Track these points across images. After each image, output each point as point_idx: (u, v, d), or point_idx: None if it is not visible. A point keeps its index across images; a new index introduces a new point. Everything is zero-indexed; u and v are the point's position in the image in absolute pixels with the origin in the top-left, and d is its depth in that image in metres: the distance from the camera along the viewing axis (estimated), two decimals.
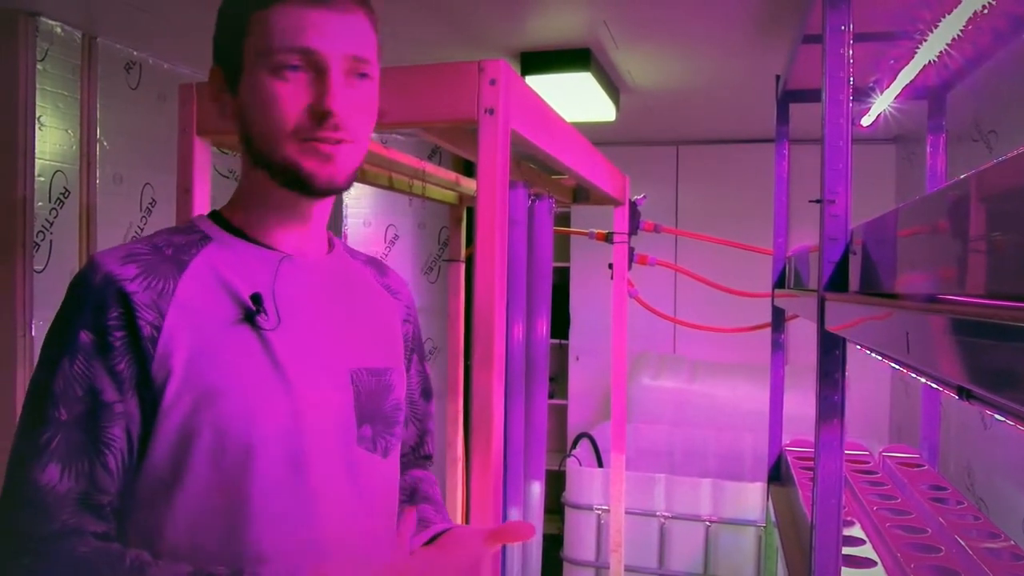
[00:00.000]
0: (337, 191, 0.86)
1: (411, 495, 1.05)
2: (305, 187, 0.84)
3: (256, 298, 0.82)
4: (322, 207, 0.91)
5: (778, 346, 2.48)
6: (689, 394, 3.82)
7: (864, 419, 3.60)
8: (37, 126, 2.29)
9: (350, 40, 0.83)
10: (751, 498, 2.97)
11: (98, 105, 2.48)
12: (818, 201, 1.22)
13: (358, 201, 3.76)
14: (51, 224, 2.33)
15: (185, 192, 1.38)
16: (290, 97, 0.81)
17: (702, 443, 3.68)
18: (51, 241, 2.33)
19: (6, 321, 2.24)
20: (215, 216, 0.91)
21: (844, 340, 1.19)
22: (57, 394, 0.76)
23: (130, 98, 2.60)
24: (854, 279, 1.16)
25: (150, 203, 2.69)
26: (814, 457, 1.24)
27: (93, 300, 0.77)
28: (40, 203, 2.30)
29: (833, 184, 1.21)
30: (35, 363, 0.80)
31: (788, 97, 2.32)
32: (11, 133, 2.26)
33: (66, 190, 2.39)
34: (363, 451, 0.88)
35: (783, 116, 2.39)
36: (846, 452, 1.24)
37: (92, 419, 0.76)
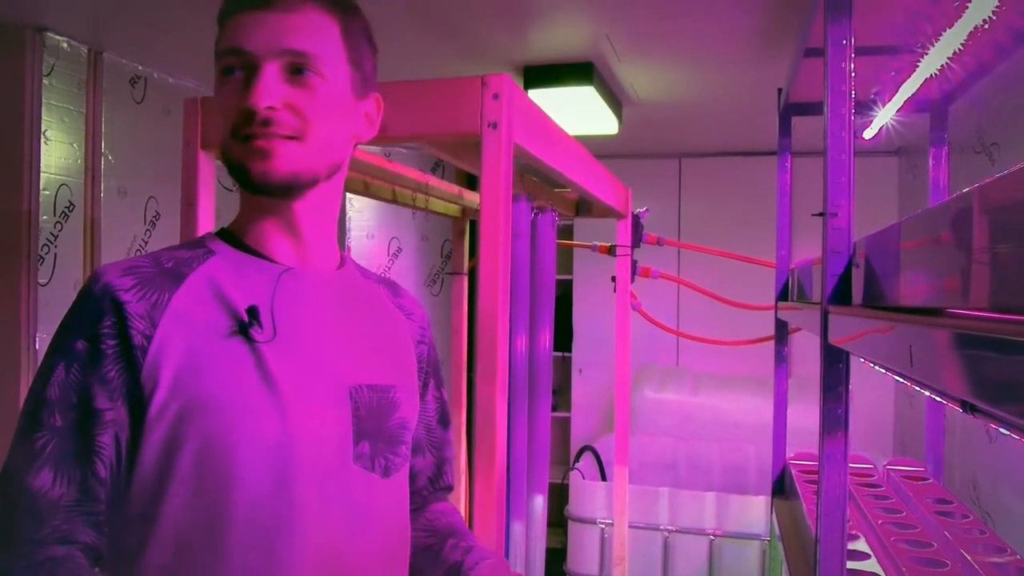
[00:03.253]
0: (276, 187, 0.83)
1: (432, 532, 1.03)
2: (244, 183, 0.84)
3: (252, 311, 0.81)
4: (310, 214, 0.89)
5: (781, 359, 2.48)
6: (692, 406, 3.81)
7: (868, 431, 3.59)
8: (43, 140, 2.30)
9: (287, 36, 0.82)
10: (755, 511, 2.96)
11: (103, 119, 2.49)
12: (821, 214, 1.22)
13: (361, 214, 3.77)
14: (55, 237, 2.34)
15: (189, 206, 1.39)
16: (228, 98, 0.83)
17: (706, 456, 3.67)
18: (55, 254, 2.34)
19: (11, 334, 2.25)
20: (223, 231, 0.91)
21: (847, 353, 1.19)
22: (52, 400, 0.77)
23: (135, 112, 2.62)
24: (857, 292, 1.16)
25: (154, 216, 2.70)
26: (818, 470, 1.23)
27: (90, 309, 0.79)
28: (45, 216, 2.31)
29: (836, 197, 1.21)
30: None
31: (790, 110, 2.33)
32: (17, 147, 2.28)
33: (71, 203, 2.40)
34: (360, 469, 0.86)
35: (785, 129, 2.40)
36: (850, 465, 1.24)
37: (84, 426, 0.77)
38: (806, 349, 3.67)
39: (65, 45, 2.36)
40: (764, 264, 2.88)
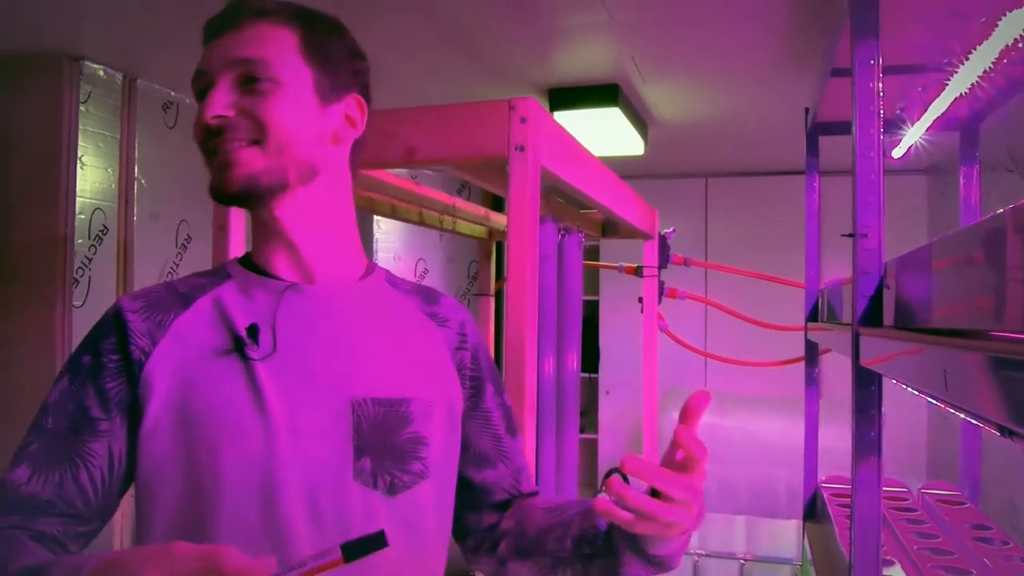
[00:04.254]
0: (236, 195, 0.85)
1: (554, 508, 0.97)
2: (213, 196, 0.87)
3: (251, 329, 0.83)
4: (297, 224, 0.89)
5: (812, 380, 2.45)
6: (721, 429, 3.77)
7: (900, 453, 3.53)
8: (79, 165, 2.36)
9: (236, 48, 0.85)
10: (786, 536, 2.91)
11: (136, 144, 2.55)
12: (851, 235, 1.21)
13: (388, 235, 3.80)
14: (90, 261, 2.39)
15: (220, 230, 1.41)
16: (197, 118, 0.86)
17: (734, 479, 3.63)
18: (90, 277, 2.38)
19: (47, 355, 2.29)
20: (244, 256, 0.94)
21: (880, 375, 1.17)
22: (50, 405, 0.82)
23: (167, 137, 2.67)
24: (888, 313, 1.14)
25: (185, 239, 2.74)
26: (851, 494, 1.22)
27: (100, 329, 0.85)
28: (80, 240, 2.36)
29: (865, 218, 1.20)
30: None
31: (818, 130, 2.32)
32: (54, 172, 2.33)
33: (105, 227, 2.45)
34: (359, 486, 0.84)
35: (812, 149, 2.38)
36: (883, 488, 1.22)
37: (75, 433, 0.81)
38: (837, 370, 3.62)
39: (101, 73, 2.42)
40: (793, 284, 2.85)
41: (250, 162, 0.84)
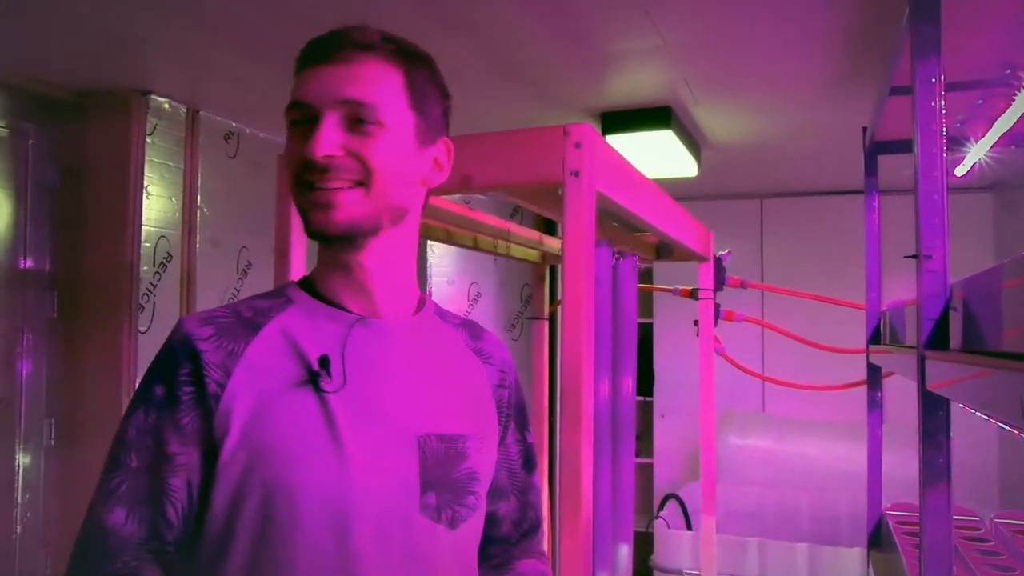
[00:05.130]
0: (335, 237, 0.85)
1: None
2: (307, 231, 0.87)
3: (323, 360, 0.83)
4: (376, 262, 0.89)
5: (875, 404, 2.39)
6: (779, 454, 3.69)
7: (969, 480, 3.40)
8: (144, 195, 2.44)
9: (346, 87, 0.83)
10: (850, 564, 2.83)
11: (199, 174, 2.63)
12: (914, 256, 1.19)
13: (441, 260, 3.84)
14: (155, 287, 2.46)
15: (282, 256, 1.44)
16: (293, 150, 0.85)
17: (794, 505, 3.54)
18: (154, 303, 2.45)
19: (113, 379, 2.36)
20: (304, 280, 0.94)
21: (947, 400, 1.14)
22: (130, 442, 0.81)
23: (228, 167, 2.75)
24: (955, 336, 1.11)
25: (246, 266, 2.81)
26: (919, 523, 1.18)
27: (170, 357, 0.83)
28: (145, 267, 2.44)
29: (929, 239, 1.17)
30: None
31: (876, 149, 2.28)
32: (122, 202, 2.42)
33: (169, 254, 2.52)
34: (425, 520, 0.86)
35: (871, 168, 2.34)
36: (954, 517, 1.17)
37: (156, 469, 0.80)
38: (900, 394, 3.51)
39: (167, 106, 2.51)
40: (853, 306, 2.79)
41: (353, 205, 0.84)
